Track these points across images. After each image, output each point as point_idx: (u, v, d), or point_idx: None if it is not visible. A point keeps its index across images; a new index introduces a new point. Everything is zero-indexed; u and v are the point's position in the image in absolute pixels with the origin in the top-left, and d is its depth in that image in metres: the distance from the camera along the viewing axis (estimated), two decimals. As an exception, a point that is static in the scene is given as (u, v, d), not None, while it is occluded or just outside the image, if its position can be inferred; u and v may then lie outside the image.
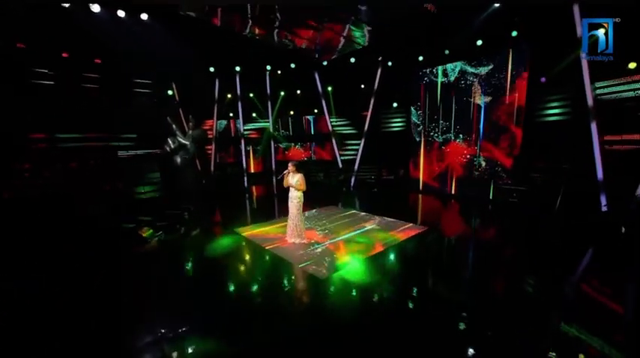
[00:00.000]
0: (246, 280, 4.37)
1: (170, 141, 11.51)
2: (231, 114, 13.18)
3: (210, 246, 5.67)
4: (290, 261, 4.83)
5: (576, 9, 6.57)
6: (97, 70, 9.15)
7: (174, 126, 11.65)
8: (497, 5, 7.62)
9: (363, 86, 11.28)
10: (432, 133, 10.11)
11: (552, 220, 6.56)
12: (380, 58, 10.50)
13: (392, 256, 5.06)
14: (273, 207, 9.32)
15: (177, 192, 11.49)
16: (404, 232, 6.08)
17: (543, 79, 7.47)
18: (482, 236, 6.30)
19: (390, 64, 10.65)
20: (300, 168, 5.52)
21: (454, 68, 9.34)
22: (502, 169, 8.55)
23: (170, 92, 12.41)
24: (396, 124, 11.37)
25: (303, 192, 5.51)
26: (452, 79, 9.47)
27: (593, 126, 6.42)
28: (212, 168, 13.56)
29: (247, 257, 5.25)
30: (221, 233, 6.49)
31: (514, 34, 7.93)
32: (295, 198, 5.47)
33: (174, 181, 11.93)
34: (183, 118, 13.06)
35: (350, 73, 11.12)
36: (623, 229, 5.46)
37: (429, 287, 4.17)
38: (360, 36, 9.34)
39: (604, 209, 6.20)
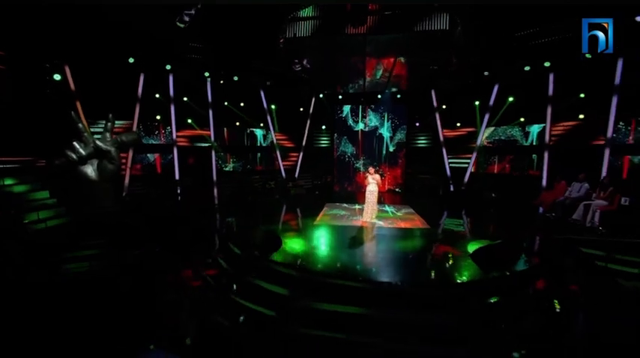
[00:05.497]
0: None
1: (78, 146, 8.65)
2: (157, 117, 11.15)
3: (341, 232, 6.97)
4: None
5: (433, 92, 13.20)
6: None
7: (80, 124, 9.06)
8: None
9: (302, 109, 13.77)
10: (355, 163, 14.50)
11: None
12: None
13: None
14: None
15: (90, 215, 9.07)
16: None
17: (418, 124, 13.81)
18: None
19: (321, 96, 13.93)
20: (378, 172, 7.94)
21: (372, 118, 14.21)
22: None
23: (58, 77, 9.19)
24: (324, 142, 14.73)
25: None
26: (370, 125, 14.28)
27: (444, 150, 13.19)
28: (125, 183, 10.81)
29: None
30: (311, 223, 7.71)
31: (398, 96, 13.84)
32: (375, 191, 7.87)
33: (86, 200, 9.20)
34: (82, 115, 10.01)
35: (291, 97, 13.30)
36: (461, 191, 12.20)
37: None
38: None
39: (452, 189, 12.99)
